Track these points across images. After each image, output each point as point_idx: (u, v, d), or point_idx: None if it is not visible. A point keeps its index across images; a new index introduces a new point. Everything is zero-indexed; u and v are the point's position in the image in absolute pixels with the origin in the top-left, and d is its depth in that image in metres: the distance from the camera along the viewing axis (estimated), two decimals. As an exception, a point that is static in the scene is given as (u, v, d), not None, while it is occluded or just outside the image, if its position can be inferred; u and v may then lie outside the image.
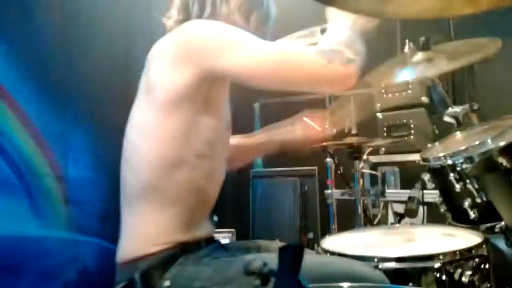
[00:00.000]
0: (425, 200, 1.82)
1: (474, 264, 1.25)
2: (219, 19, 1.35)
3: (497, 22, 2.57)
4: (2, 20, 2.26)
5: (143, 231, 1.29)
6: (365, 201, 2.50)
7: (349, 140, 2.21)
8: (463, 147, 1.58)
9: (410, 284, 1.22)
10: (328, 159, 2.65)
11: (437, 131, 2.66)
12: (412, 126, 2.79)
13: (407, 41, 2.00)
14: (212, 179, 1.36)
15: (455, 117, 1.95)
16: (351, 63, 1.24)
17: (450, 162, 1.57)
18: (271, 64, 1.23)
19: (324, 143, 2.20)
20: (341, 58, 1.22)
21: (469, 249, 1.27)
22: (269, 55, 1.24)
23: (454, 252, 1.24)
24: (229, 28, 1.27)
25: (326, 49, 1.24)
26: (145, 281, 1.23)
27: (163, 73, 1.28)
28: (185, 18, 1.39)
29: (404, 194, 1.92)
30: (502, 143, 1.46)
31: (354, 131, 2.29)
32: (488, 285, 1.29)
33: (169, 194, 1.28)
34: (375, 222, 2.62)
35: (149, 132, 1.29)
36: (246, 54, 1.23)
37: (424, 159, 1.71)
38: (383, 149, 2.83)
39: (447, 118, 1.98)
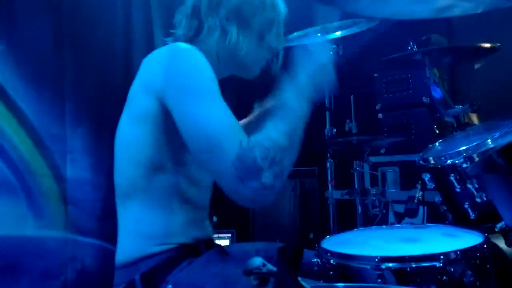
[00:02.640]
0: (425, 200, 1.81)
1: (475, 264, 1.24)
2: (210, 32, 1.34)
3: (496, 23, 2.58)
4: (1, 20, 2.26)
5: (139, 231, 1.28)
6: (365, 201, 2.50)
7: (349, 140, 2.20)
8: (463, 147, 1.58)
9: (411, 284, 1.21)
10: (328, 159, 2.65)
11: (437, 131, 2.66)
12: (412, 126, 2.79)
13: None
14: (196, 185, 1.35)
15: (455, 117, 1.95)
16: (265, 191, 1.10)
17: (450, 162, 1.56)
18: (203, 141, 1.13)
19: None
20: (256, 184, 1.08)
21: (470, 249, 1.26)
22: (204, 133, 1.13)
23: (455, 252, 1.23)
24: (198, 74, 1.20)
25: (248, 159, 1.08)
26: (146, 283, 1.22)
27: (136, 90, 1.31)
28: (178, 36, 1.40)
29: (404, 194, 1.92)
30: (502, 143, 1.45)
31: (354, 131, 2.30)
32: (489, 285, 1.28)
33: (156, 196, 1.27)
34: (375, 222, 2.62)
35: (128, 137, 1.31)
36: (192, 111, 1.15)
37: (424, 159, 1.70)
38: (384, 149, 2.83)
39: (447, 118, 1.98)
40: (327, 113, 2.60)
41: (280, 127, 1.14)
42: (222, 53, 1.36)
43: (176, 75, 1.21)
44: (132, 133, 1.29)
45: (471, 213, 1.54)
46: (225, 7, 1.35)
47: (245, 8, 1.36)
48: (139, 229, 1.28)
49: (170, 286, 1.20)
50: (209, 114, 1.14)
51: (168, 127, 1.23)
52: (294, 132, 1.15)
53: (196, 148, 1.16)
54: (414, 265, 1.22)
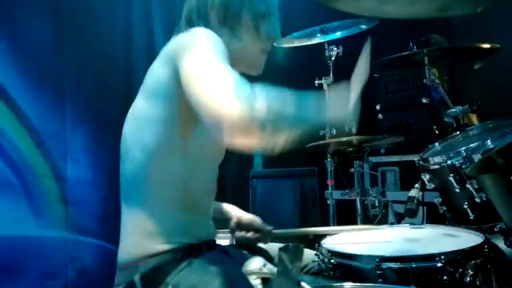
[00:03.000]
0: (425, 200, 1.81)
1: (475, 264, 1.24)
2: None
3: (496, 23, 2.58)
4: (1, 20, 2.26)
5: (140, 231, 1.27)
6: (365, 202, 2.50)
7: (349, 140, 2.20)
8: (463, 148, 1.58)
9: (411, 284, 1.21)
10: (328, 159, 2.65)
11: (437, 131, 2.66)
12: (412, 126, 2.79)
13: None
14: (201, 185, 1.34)
15: (455, 117, 1.95)
16: (254, 118, 0.99)
17: (449, 162, 1.57)
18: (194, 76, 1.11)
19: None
20: (251, 106, 0.99)
21: (470, 249, 1.26)
22: (198, 69, 1.12)
23: (455, 252, 1.23)
24: (200, 36, 1.22)
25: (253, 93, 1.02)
26: (145, 284, 1.21)
27: (156, 64, 1.30)
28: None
29: (404, 194, 1.92)
30: (501, 144, 1.46)
31: (354, 131, 2.29)
32: (489, 285, 1.28)
33: (158, 194, 1.26)
34: (375, 222, 2.61)
35: (137, 118, 1.30)
36: (191, 60, 1.14)
37: (424, 160, 1.71)
38: (383, 149, 2.83)
39: (447, 118, 1.98)
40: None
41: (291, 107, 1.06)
42: None
43: (189, 40, 1.21)
44: (144, 110, 1.28)
45: (470, 213, 1.54)
46: (214, 13, 1.36)
47: (231, 7, 1.36)
48: (140, 229, 1.27)
49: (169, 287, 1.20)
50: (210, 65, 1.11)
51: (180, 106, 1.20)
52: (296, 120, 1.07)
53: (191, 86, 1.11)
54: (414, 265, 1.22)
